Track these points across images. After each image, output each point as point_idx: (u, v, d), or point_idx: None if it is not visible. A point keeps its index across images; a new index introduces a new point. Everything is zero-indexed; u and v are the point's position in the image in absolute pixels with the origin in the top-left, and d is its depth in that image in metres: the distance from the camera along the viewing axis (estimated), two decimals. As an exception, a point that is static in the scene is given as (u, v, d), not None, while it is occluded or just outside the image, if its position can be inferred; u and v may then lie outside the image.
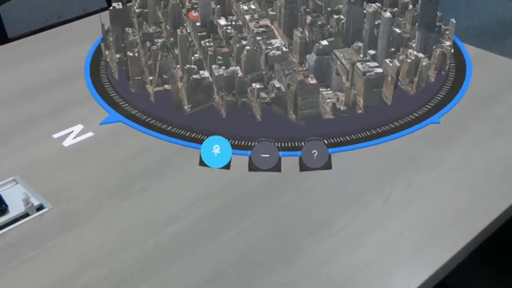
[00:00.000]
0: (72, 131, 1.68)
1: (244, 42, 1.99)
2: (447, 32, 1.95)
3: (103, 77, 1.92)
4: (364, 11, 1.98)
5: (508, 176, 1.49)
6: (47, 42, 2.22)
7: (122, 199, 1.45)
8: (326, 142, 1.55)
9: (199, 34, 2.11)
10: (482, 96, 1.79)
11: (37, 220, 1.39)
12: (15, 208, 1.40)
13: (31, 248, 1.31)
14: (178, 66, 1.88)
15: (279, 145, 1.54)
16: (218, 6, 2.28)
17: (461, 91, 1.80)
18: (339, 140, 1.60)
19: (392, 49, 1.86)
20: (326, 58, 1.86)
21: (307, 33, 1.98)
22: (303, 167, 1.51)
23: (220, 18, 2.23)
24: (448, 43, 1.89)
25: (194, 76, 1.77)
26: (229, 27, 2.15)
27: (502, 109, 1.74)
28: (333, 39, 1.99)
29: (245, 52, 1.88)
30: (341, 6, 2.19)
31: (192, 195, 1.45)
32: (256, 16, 2.27)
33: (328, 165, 1.50)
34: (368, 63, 1.77)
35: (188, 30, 2.10)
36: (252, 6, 2.34)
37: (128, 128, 1.68)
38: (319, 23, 2.07)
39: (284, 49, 1.97)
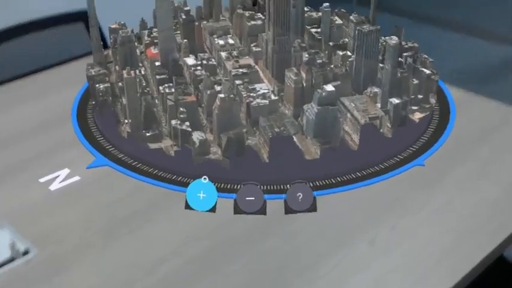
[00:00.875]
0: (59, 175, 1.68)
1: (218, 88, 1.70)
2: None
3: (90, 120, 1.92)
4: (383, 43, 1.77)
5: (494, 218, 1.50)
6: (33, 86, 2.22)
7: (109, 242, 1.44)
8: (311, 185, 1.56)
9: (157, 77, 1.79)
10: (466, 138, 1.80)
11: (23, 265, 1.38)
12: (1, 253, 1.40)
13: (17, 292, 1.31)
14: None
15: (264, 188, 1.55)
16: (185, 40, 1.92)
17: (445, 133, 1.81)
18: (323, 183, 1.60)
19: (420, 96, 1.78)
20: (332, 110, 1.61)
21: (303, 75, 1.69)
22: (288, 210, 1.51)
23: (188, 56, 1.90)
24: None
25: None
26: (199, 68, 1.82)
27: (487, 151, 1.75)
28: (339, 83, 1.69)
29: (218, 102, 1.60)
30: (347, 39, 1.90)
31: (179, 238, 1.45)
32: (235, 53, 1.92)
33: (313, 208, 1.50)
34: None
35: (142, 72, 1.83)
36: (230, 41, 1.98)
37: (115, 172, 1.68)
38: (318, 61, 1.73)
39: (273, 97, 1.69)
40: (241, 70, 1.80)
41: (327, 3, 1.98)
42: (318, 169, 1.63)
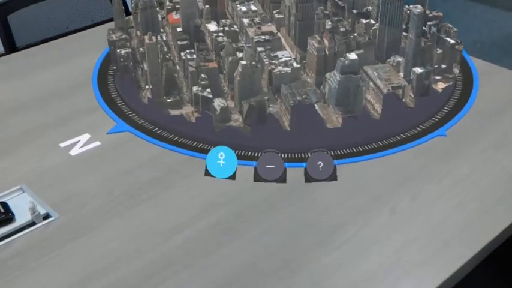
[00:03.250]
0: (79, 140, 1.68)
1: (240, 55, 1.68)
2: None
3: (111, 86, 1.92)
4: (407, 12, 1.74)
5: (514, 189, 1.49)
6: (55, 52, 2.23)
7: (129, 208, 1.45)
8: (332, 153, 1.56)
9: (179, 43, 1.77)
10: (489, 109, 1.79)
11: (43, 229, 1.39)
12: (21, 217, 1.41)
13: (37, 256, 1.32)
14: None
15: (285, 156, 1.54)
16: (207, 6, 1.88)
17: (468, 104, 1.79)
18: (344, 152, 1.60)
19: (443, 66, 1.75)
20: (355, 78, 1.58)
21: (326, 42, 1.65)
22: (308, 179, 1.51)
23: (210, 22, 1.86)
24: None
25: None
26: (221, 34, 1.79)
27: (509, 122, 1.74)
28: (362, 51, 1.66)
29: (240, 69, 1.57)
30: (370, 7, 1.84)
31: (199, 205, 1.45)
32: (257, 20, 1.87)
33: (333, 177, 1.50)
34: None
35: (164, 38, 1.79)
36: (253, 7, 1.92)
37: (135, 138, 1.68)
38: (341, 29, 1.71)
39: (295, 65, 1.65)
40: (263, 37, 1.77)
41: None
42: (339, 138, 1.62)
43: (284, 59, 1.69)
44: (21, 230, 1.38)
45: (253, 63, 1.62)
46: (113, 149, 1.66)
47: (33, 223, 1.40)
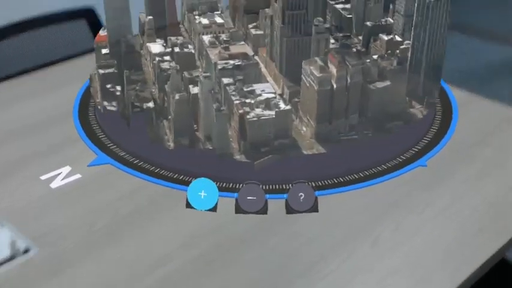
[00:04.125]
0: (60, 173, 1.67)
1: (194, 90, 1.25)
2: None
3: (91, 118, 1.91)
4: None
5: (496, 220, 1.49)
6: (35, 83, 2.21)
7: (111, 241, 1.43)
8: (313, 185, 1.55)
9: (100, 72, 1.31)
10: (469, 139, 1.79)
11: (24, 263, 1.37)
12: (1, 251, 1.39)
13: (17, 291, 1.30)
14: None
15: (266, 187, 1.54)
16: (150, 17, 1.41)
17: (448, 134, 1.80)
18: (325, 183, 1.59)
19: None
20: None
21: (334, 70, 1.18)
22: (290, 210, 1.49)
23: (153, 41, 1.40)
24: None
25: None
26: (168, 58, 1.33)
27: (489, 153, 1.75)
28: (388, 83, 1.23)
29: (202, 112, 1.16)
30: (392, 18, 1.37)
31: (181, 237, 1.44)
32: (224, 37, 1.38)
33: (314, 208, 1.49)
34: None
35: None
36: (218, 20, 1.44)
37: (116, 170, 1.67)
38: (354, 48, 1.24)
39: (282, 105, 1.19)
40: (232, 62, 1.30)
41: None
42: (319, 169, 1.61)
43: (264, 95, 1.24)
44: (0, 265, 1.36)
45: (215, 104, 1.19)
46: (94, 181, 1.64)
47: (12, 257, 1.38)
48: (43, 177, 1.65)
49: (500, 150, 1.76)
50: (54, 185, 1.63)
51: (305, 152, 1.34)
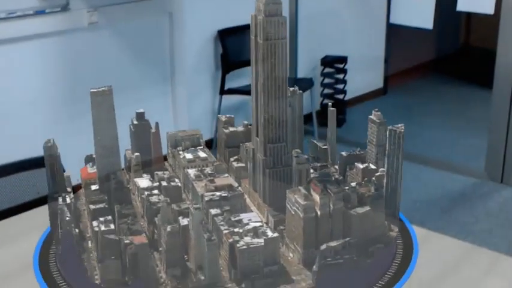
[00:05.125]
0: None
1: (184, 222, 1.26)
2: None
3: (52, 266, 1.63)
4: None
5: None
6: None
7: None
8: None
9: (91, 207, 1.30)
10: (429, 276, 1.78)
11: None
12: None
13: None
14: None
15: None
16: (137, 154, 1.46)
17: (408, 270, 1.71)
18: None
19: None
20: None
21: (317, 198, 1.22)
22: None
23: (140, 176, 1.44)
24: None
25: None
26: (156, 192, 1.36)
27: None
28: (368, 208, 1.26)
29: (193, 242, 1.18)
30: (367, 147, 1.41)
31: None
32: (208, 171, 1.44)
33: None
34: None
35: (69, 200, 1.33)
36: (201, 154, 1.52)
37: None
38: (332, 177, 1.27)
39: (269, 233, 1.21)
40: (218, 193, 1.33)
41: (330, 102, 1.65)
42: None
43: (252, 224, 1.24)
44: None
45: (206, 234, 1.19)
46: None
47: None
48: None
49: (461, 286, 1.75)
50: None
51: (294, 278, 1.31)
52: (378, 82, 7.34)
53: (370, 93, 7.13)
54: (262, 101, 1.40)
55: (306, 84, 5.78)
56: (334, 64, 6.43)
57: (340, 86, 6.48)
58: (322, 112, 6.29)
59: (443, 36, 7.77)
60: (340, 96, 6.51)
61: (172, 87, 5.48)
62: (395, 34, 6.88)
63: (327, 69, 6.45)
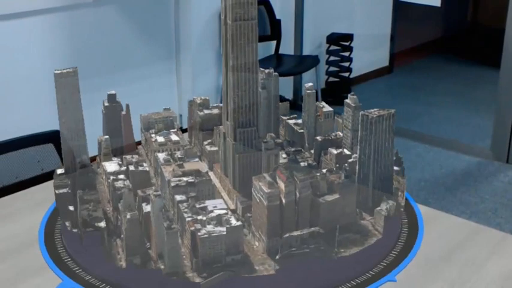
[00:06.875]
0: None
1: (147, 208, 1.21)
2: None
3: (58, 242, 1.86)
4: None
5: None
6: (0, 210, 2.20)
7: None
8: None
9: (56, 192, 1.29)
10: (435, 254, 1.79)
11: None
12: None
13: None
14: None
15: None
16: (106, 137, 1.43)
17: (414, 249, 1.77)
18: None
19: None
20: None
21: (282, 185, 1.17)
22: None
23: (109, 160, 1.38)
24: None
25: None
26: (122, 177, 1.30)
27: (456, 267, 1.74)
28: (338, 196, 1.21)
29: (154, 230, 1.12)
30: (341, 132, 1.37)
31: None
32: (179, 155, 1.36)
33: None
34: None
35: None
36: (174, 137, 1.45)
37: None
38: (302, 163, 1.24)
39: (233, 221, 1.16)
40: (185, 179, 1.26)
41: (310, 83, 1.59)
42: (285, 285, 1.57)
43: (216, 212, 1.18)
44: None
45: (166, 222, 1.14)
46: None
47: None
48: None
49: (465, 267, 1.76)
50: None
51: (257, 268, 1.27)
52: (383, 60, 7.29)
53: (376, 72, 7.08)
54: (232, 84, 1.37)
55: (311, 61, 5.78)
56: (340, 42, 6.37)
57: (346, 64, 6.43)
58: (328, 90, 6.27)
59: (451, 14, 7.70)
60: (346, 74, 6.47)
61: (177, 64, 5.44)
62: (402, 11, 6.80)
63: (333, 47, 6.39)
